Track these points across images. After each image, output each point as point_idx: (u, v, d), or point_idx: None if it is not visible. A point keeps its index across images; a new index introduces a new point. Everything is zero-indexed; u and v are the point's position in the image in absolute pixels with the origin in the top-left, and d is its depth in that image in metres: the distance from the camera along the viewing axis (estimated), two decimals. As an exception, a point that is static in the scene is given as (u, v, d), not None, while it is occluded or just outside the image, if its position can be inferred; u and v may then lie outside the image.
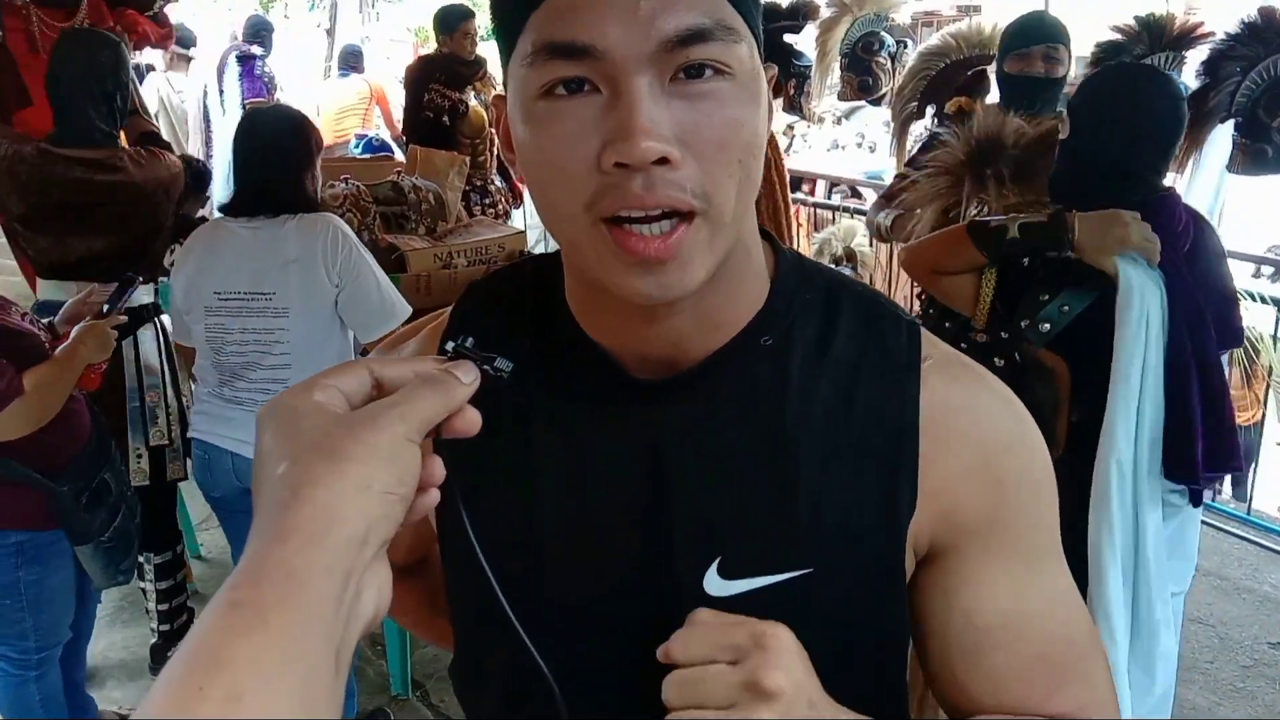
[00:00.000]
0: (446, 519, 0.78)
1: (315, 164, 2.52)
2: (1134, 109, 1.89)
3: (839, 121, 11.27)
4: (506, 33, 0.64)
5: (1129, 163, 1.89)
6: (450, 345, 0.60)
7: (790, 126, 8.26)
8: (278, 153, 2.44)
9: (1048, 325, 1.85)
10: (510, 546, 0.73)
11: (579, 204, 0.61)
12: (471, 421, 0.57)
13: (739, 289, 0.71)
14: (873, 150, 10.56)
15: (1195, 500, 1.90)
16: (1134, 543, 1.86)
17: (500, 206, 5.15)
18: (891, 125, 4.10)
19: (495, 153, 5.26)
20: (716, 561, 0.71)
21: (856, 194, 6.51)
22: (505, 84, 0.66)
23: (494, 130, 4.40)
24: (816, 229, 5.26)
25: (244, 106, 6.13)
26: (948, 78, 3.95)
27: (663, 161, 0.59)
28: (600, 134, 0.59)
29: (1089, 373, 1.88)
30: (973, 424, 0.73)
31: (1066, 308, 1.85)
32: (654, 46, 0.59)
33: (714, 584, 0.71)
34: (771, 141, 3.51)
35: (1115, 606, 1.85)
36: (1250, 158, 2.85)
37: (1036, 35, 2.59)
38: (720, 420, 0.71)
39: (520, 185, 5.45)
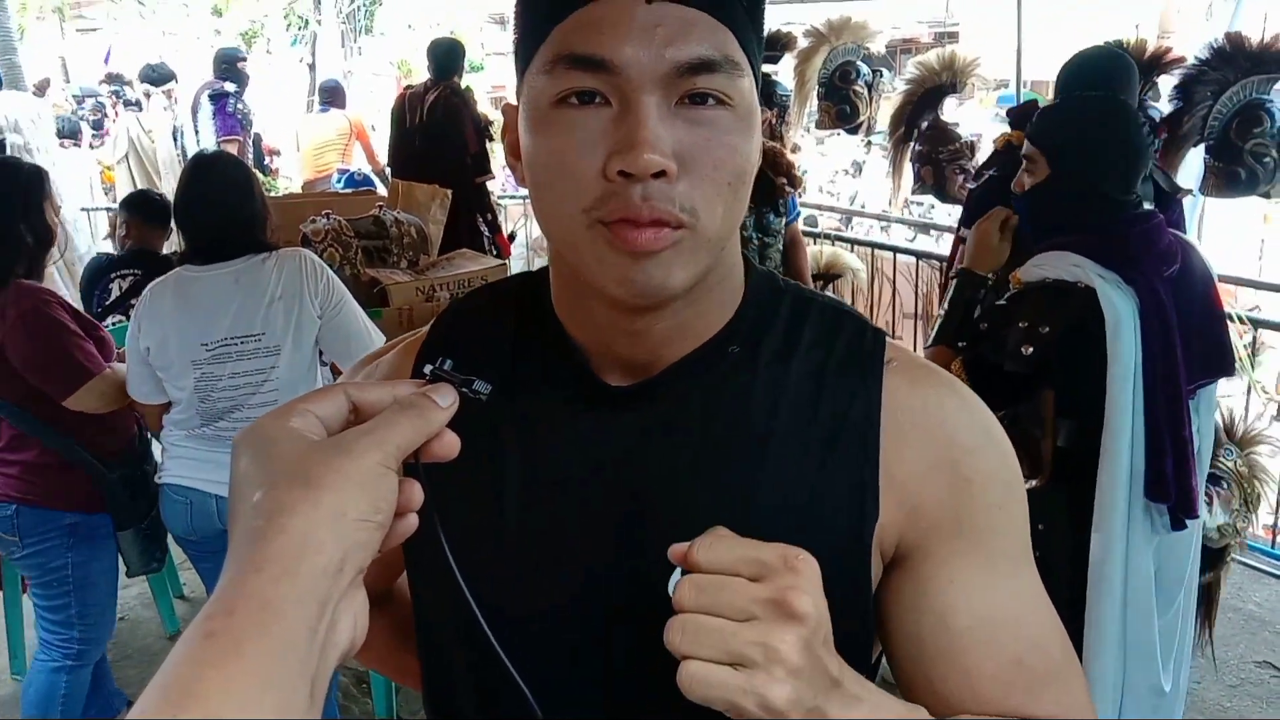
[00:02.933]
0: (418, 539, 0.77)
1: (267, 208, 2.52)
2: (1095, 136, 1.94)
3: (867, 145, 11.41)
4: (528, 43, 0.68)
5: (1095, 187, 1.91)
6: (428, 368, 0.60)
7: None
8: (243, 193, 2.43)
9: (1030, 348, 1.87)
10: (480, 557, 0.73)
11: (580, 207, 0.65)
12: (450, 445, 0.58)
13: (714, 302, 0.75)
14: (858, 173, 10.64)
15: (1175, 523, 1.89)
16: (1128, 567, 1.87)
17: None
18: (889, 153, 4.17)
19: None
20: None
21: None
22: (519, 94, 0.70)
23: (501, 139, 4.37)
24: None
25: (219, 145, 6.13)
26: (924, 103, 4.01)
27: (660, 175, 0.63)
28: (607, 144, 0.63)
29: (1071, 399, 1.89)
30: (937, 424, 0.75)
31: (1045, 329, 1.87)
32: (665, 69, 0.63)
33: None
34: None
35: (1112, 629, 1.86)
36: (1223, 180, 2.89)
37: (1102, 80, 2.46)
38: (687, 425, 0.74)
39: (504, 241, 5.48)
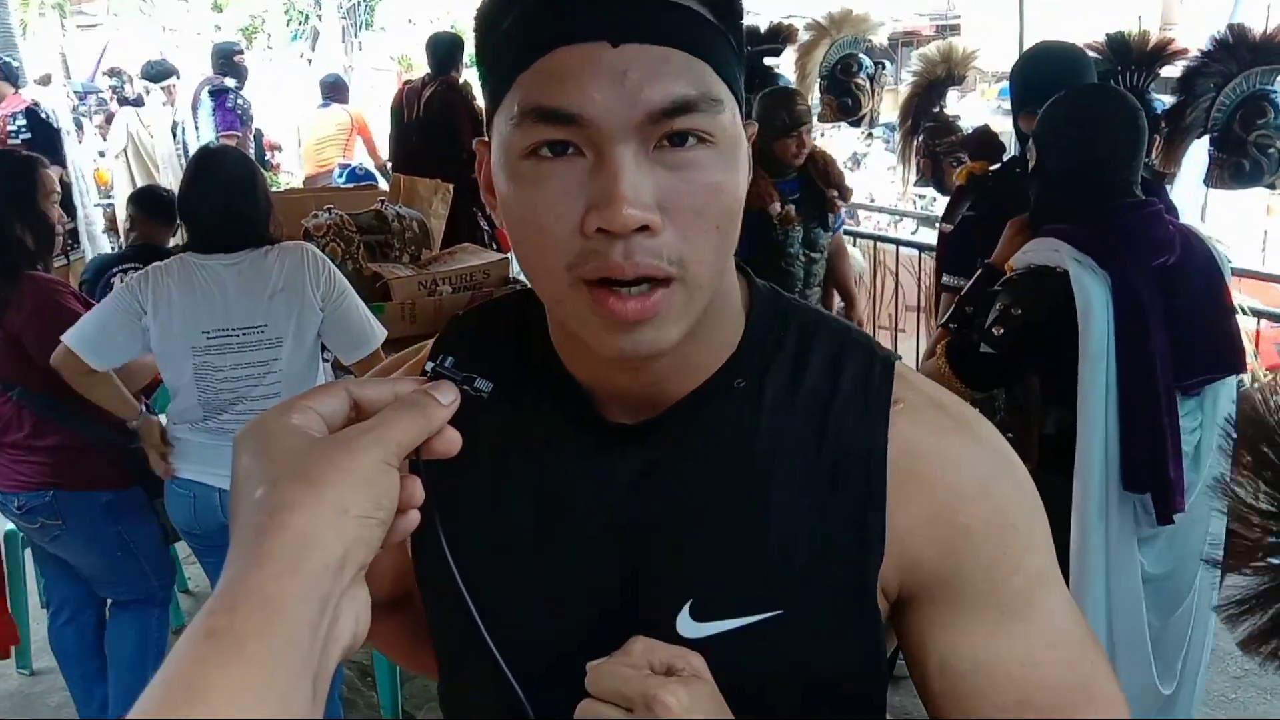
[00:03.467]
0: (424, 545, 0.78)
1: (274, 206, 2.55)
2: (1091, 127, 1.94)
3: (868, 136, 11.38)
4: (493, 87, 0.66)
5: (1093, 177, 1.92)
6: (429, 365, 0.60)
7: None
8: (247, 186, 2.45)
9: (1001, 329, 1.88)
10: (486, 577, 0.73)
11: (560, 264, 0.62)
12: (451, 442, 0.58)
13: (714, 334, 0.72)
14: (857, 166, 10.62)
15: (1160, 517, 1.87)
16: (1109, 560, 1.86)
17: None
18: (897, 146, 4.16)
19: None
20: (689, 604, 0.71)
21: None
22: (488, 129, 0.67)
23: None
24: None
25: (218, 140, 6.14)
26: (929, 95, 4.01)
27: (643, 228, 0.60)
28: (583, 198, 0.61)
29: (1055, 385, 1.89)
30: (939, 473, 0.72)
31: (1018, 310, 1.87)
32: (640, 116, 0.60)
33: (686, 626, 0.71)
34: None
35: (1095, 623, 1.85)
36: (1227, 172, 2.88)
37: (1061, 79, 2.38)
38: (692, 463, 0.72)
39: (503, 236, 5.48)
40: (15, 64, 5.87)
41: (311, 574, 0.48)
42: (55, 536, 2.60)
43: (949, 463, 0.72)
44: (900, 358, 0.77)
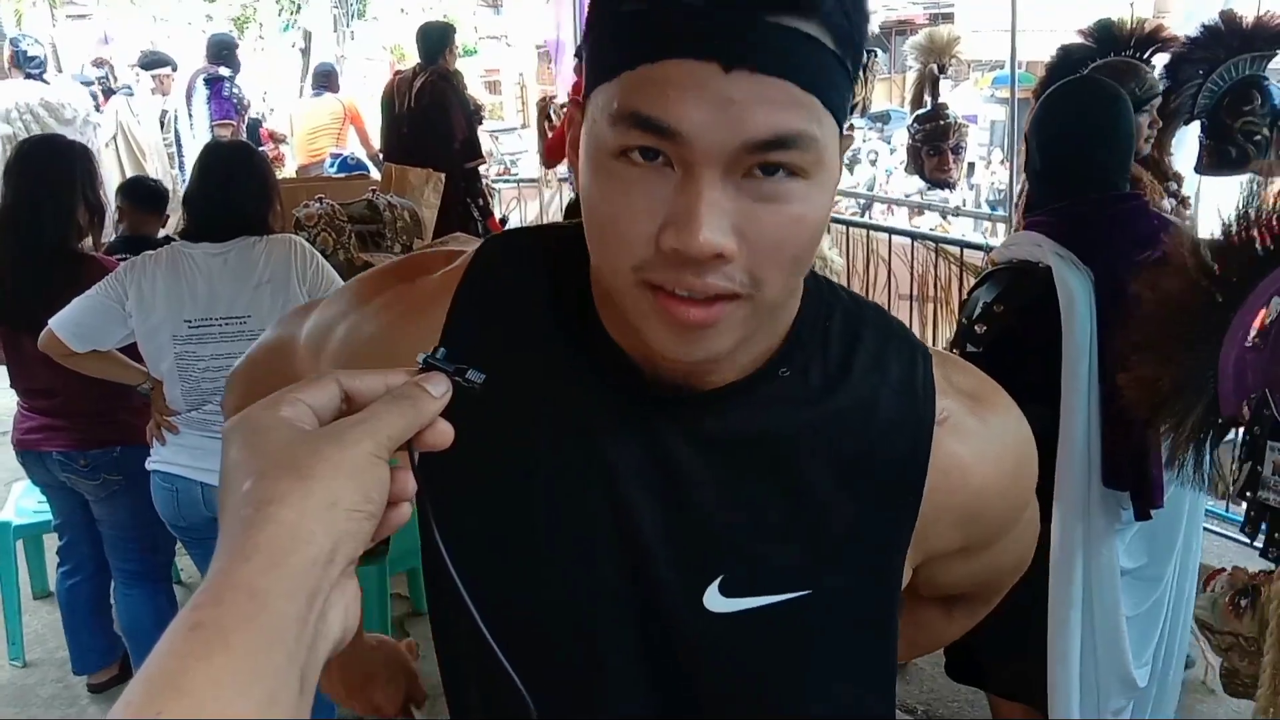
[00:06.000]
0: (425, 527, 0.77)
1: (276, 197, 2.56)
2: (1068, 118, 1.95)
3: (849, 126, 11.36)
4: (594, 63, 0.64)
5: (1073, 169, 1.92)
6: (421, 356, 0.59)
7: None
8: (243, 177, 2.46)
9: (984, 327, 1.88)
10: (496, 549, 0.74)
11: (628, 265, 0.62)
12: (443, 435, 0.57)
13: (768, 331, 0.72)
14: (873, 162, 10.62)
15: (1139, 513, 1.88)
16: (1088, 555, 1.87)
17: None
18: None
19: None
20: (719, 579, 0.73)
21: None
22: (584, 98, 0.66)
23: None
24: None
25: (212, 129, 6.12)
26: (919, 88, 4.02)
27: (718, 257, 0.59)
28: (664, 211, 0.60)
29: (1037, 382, 1.88)
30: (977, 484, 0.76)
31: (1000, 307, 1.87)
32: (736, 145, 0.58)
33: (714, 601, 0.73)
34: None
35: (1073, 617, 1.86)
36: (1215, 158, 2.89)
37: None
38: (732, 440, 0.73)
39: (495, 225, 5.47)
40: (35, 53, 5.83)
41: (299, 568, 0.47)
42: (113, 492, 2.74)
43: (988, 470, 0.77)
44: (926, 347, 0.79)
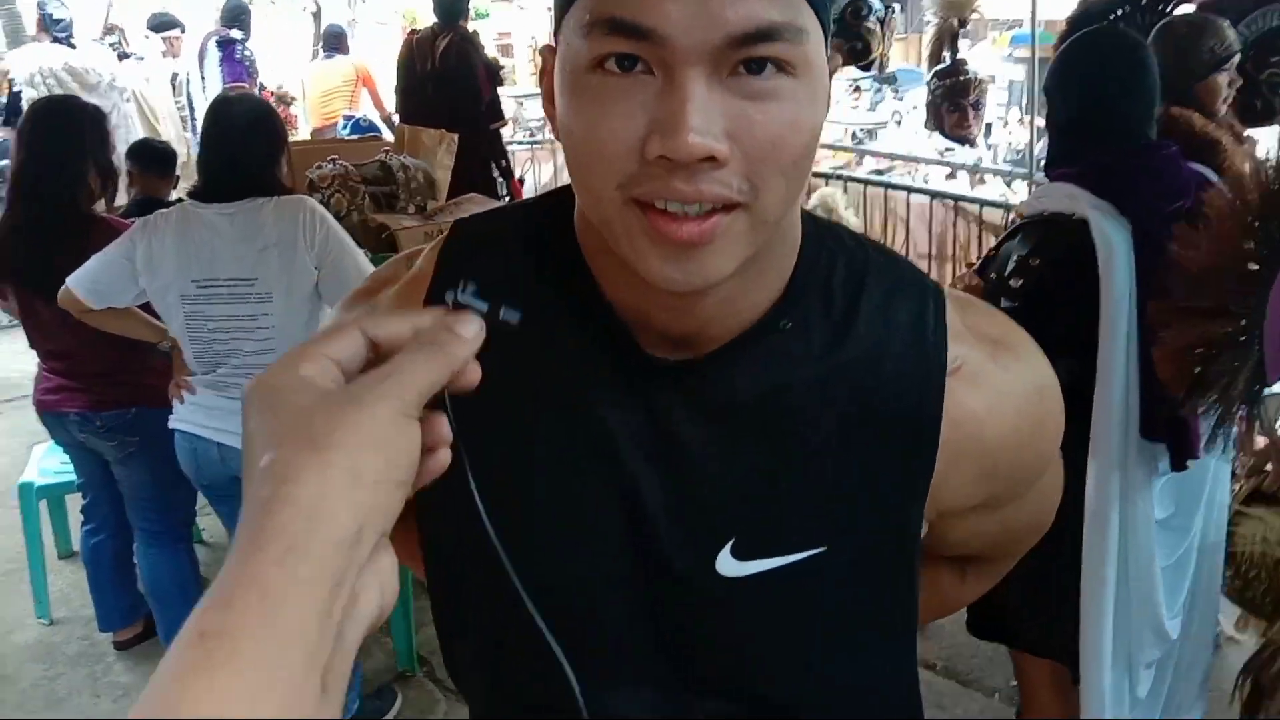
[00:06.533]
0: (442, 482, 0.75)
1: (286, 153, 2.52)
2: (1090, 71, 1.91)
3: (855, 90, 11.18)
4: None
5: (1100, 121, 1.88)
6: (450, 296, 0.55)
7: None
8: (252, 135, 2.41)
9: (1019, 280, 1.85)
10: (512, 514, 0.72)
11: (612, 184, 0.59)
12: (471, 377, 0.52)
13: (767, 274, 0.69)
14: (899, 123, 10.48)
15: (1175, 464, 1.88)
16: (1124, 507, 1.86)
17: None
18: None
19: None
20: (730, 543, 0.71)
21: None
22: (555, 36, 0.64)
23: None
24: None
25: (226, 93, 6.09)
26: (938, 45, 3.97)
27: (709, 159, 0.56)
28: (647, 119, 0.57)
29: (1069, 334, 1.86)
30: (992, 431, 0.73)
31: (1036, 261, 1.84)
32: (718, 39, 0.55)
33: (727, 565, 0.71)
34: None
35: (1109, 571, 1.85)
36: (1241, 112, 2.84)
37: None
38: (737, 403, 0.70)
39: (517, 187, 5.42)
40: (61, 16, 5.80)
41: (320, 554, 0.43)
42: (130, 453, 2.77)
43: (1004, 421, 0.73)
44: (941, 287, 0.75)
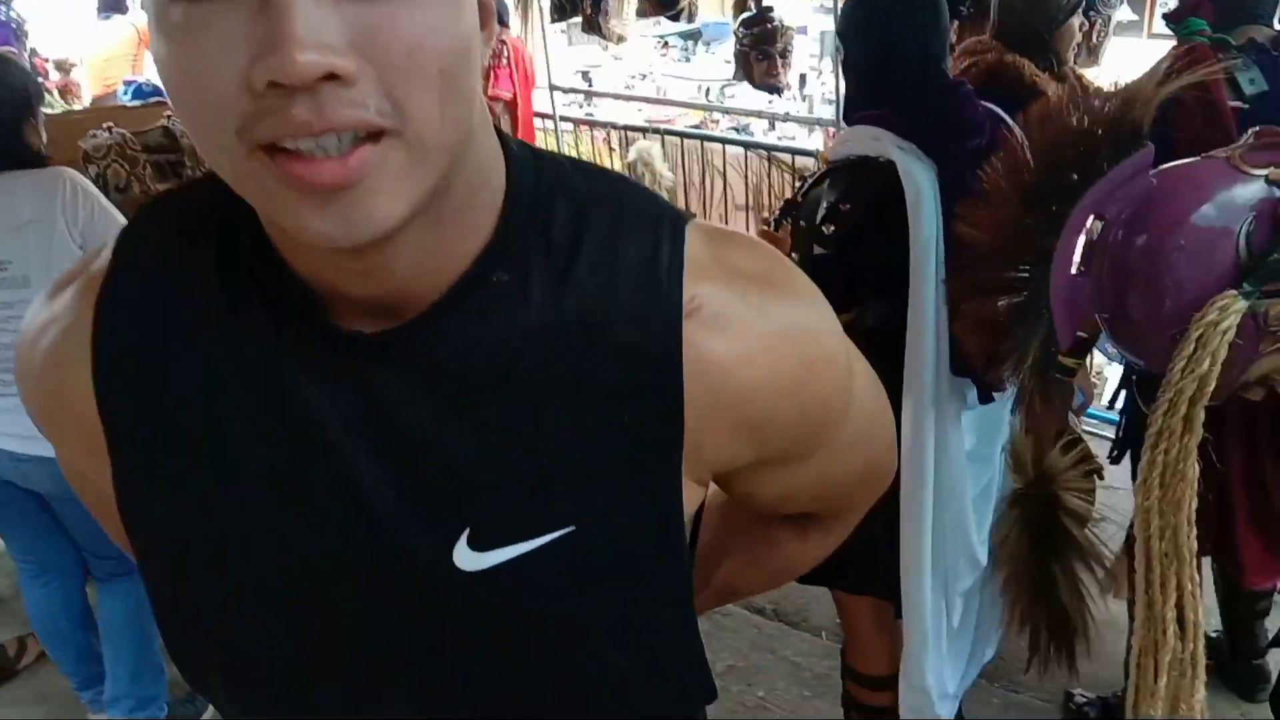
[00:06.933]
0: (127, 492, 0.66)
1: (36, 112, 2.24)
2: (885, 13, 1.89)
3: (664, 46, 11.11)
4: None
5: (896, 62, 1.88)
6: None
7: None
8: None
9: (831, 226, 1.85)
10: (206, 530, 0.63)
11: (229, 130, 0.49)
12: None
13: (466, 222, 0.60)
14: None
15: (983, 397, 1.92)
16: (938, 443, 1.90)
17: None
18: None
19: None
20: (465, 533, 0.62)
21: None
22: None
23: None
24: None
25: (-13, 55, 5.56)
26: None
27: (331, 78, 0.47)
28: (249, 45, 0.47)
29: (879, 277, 1.88)
30: (744, 383, 0.64)
31: (846, 205, 1.84)
32: None
33: (465, 558, 0.63)
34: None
35: (926, 505, 1.89)
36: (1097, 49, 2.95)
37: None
38: (452, 375, 0.61)
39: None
40: None
41: None
42: (71, 496, 2.37)
43: (756, 375, 0.64)
44: (695, 216, 0.66)
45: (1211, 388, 1.16)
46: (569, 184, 0.65)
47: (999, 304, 1.43)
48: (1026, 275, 1.41)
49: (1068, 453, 2.11)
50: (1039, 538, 2.08)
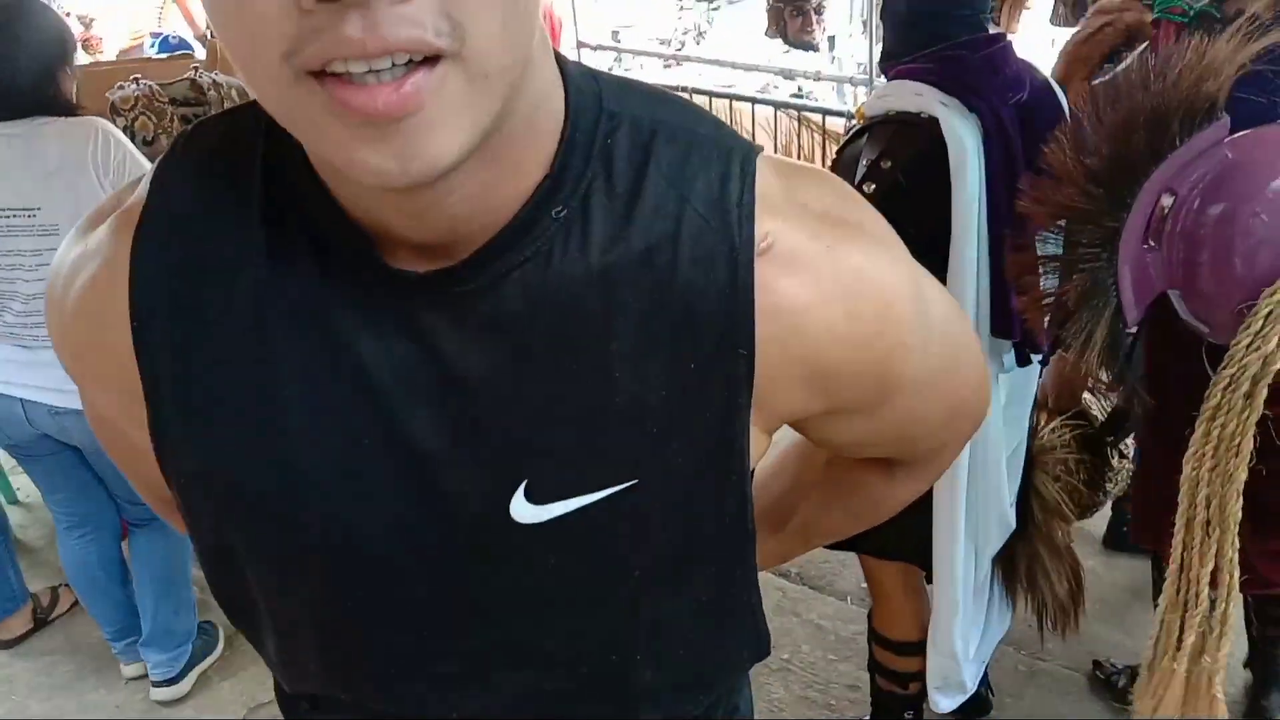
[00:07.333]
0: (171, 444, 0.63)
1: (70, 61, 2.20)
2: None
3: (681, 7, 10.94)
4: None
5: (941, 11, 1.82)
6: None
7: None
8: (20, 44, 2.07)
9: (872, 185, 1.80)
10: (250, 478, 0.61)
11: (275, 54, 0.45)
12: None
13: (525, 155, 0.56)
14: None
15: (1020, 359, 1.89)
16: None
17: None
18: None
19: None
20: (523, 485, 0.60)
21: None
22: None
23: None
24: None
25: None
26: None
27: None
28: None
29: (921, 234, 1.83)
30: (817, 324, 0.60)
31: (888, 163, 1.80)
32: None
33: (522, 510, 0.61)
34: None
35: (961, 464, 1.86)
36: (1071, 9, 2.88)
37: None
38: (510, 317, 0.58)
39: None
40: None
41: None
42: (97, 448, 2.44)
43: (828, 320, 0.60)
44: (762, 149, 0.62)
45: (1277, 366, 1.13)
46: (632, 111, 0.60)
47: (1067, 285, 1.40)
48: (1094, 254, 1.38)
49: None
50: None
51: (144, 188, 0.63)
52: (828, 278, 0.60)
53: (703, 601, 0.68)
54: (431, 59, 0.45)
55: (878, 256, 0.63)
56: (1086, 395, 2.23)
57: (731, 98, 5.25)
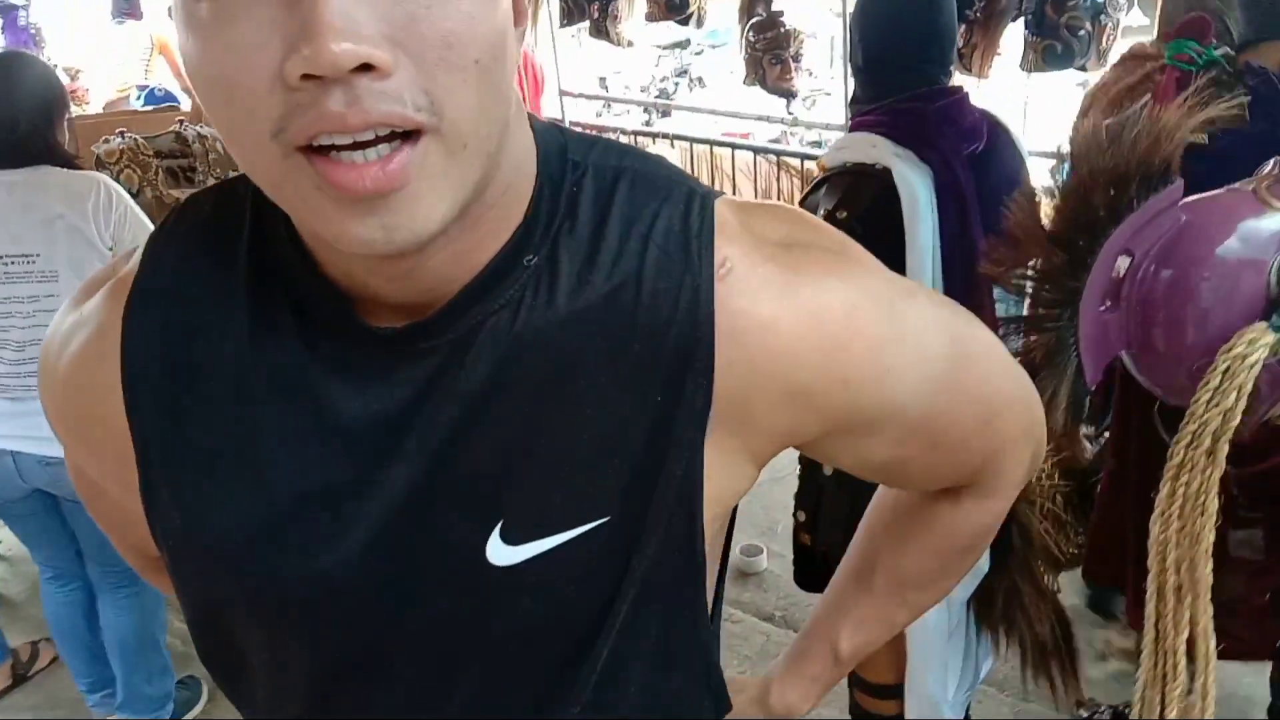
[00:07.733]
0: (156, 503, 0.66)
1: (66, 110, 2.24)
2: (888, 13, 1.88)
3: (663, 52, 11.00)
4: None
5: (896, 64, 1.87)
6: None
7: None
8: (24, 96, 2.12)
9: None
10: (237, 536, 0.63)
11: (264, 132, 0.48)
12: None
13: (501, 215, 0.59)
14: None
15: None
16: None
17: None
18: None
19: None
20: (498, 527, 0.62)
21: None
22: None
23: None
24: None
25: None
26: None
27: (367, 69, 0.46)
28: (280, 37, 0.46)
29: None
30: (784, 340, 0.62)
31: (843, 214, 1.82)
32: None
33: (498, 553, 0.62)
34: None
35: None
36: (1041, 55, 2.94)
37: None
38: (482, 365, 0.60)
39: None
40: None
41: None
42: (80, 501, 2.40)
43: (789, 334, 0.62)
44: (722, 193, 0.65)
45: (1236, 422, 1.13)
46: (595, 160, 0.64)
47: (1029, 342, 1.41)
48: (1056, 314, 1.39)
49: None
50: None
51: (137, 258, 0.66)
52: (788, 294, 0.62)
53: (654, 638, 0.69)
54: (413, 134, 0.48)
55: (835, 266, 0.65)
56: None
57: (712, 143, 5.32)
